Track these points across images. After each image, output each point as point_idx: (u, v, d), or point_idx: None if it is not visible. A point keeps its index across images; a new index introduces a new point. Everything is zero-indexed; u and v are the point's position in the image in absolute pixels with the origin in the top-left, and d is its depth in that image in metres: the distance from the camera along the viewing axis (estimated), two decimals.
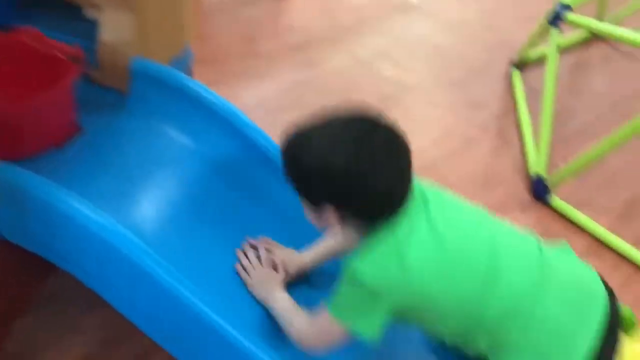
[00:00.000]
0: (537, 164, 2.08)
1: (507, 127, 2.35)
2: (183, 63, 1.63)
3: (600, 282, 1.11)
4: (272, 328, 1.17)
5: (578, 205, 2.01)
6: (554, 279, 1.05)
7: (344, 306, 1.04)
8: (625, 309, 1.20)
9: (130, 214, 1.26)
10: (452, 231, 1.02)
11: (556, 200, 2.02)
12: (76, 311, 1.49)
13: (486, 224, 1.09)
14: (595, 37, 2.90)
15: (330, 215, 1.01)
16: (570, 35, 2.80)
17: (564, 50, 2.57)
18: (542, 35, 2.46)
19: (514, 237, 1.10)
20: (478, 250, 1.03)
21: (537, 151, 2.13)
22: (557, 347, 1.02)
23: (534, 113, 2.34)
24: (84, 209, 1.06)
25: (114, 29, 1.39)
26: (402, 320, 1.06)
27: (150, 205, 1.31)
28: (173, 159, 1.40)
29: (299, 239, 1.30)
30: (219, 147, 1.42)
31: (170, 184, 1.36)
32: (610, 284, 1.12)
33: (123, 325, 1.13)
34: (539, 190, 2.04)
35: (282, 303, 1.17)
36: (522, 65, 2.65)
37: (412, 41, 2.83)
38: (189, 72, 1.67)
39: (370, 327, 1.02)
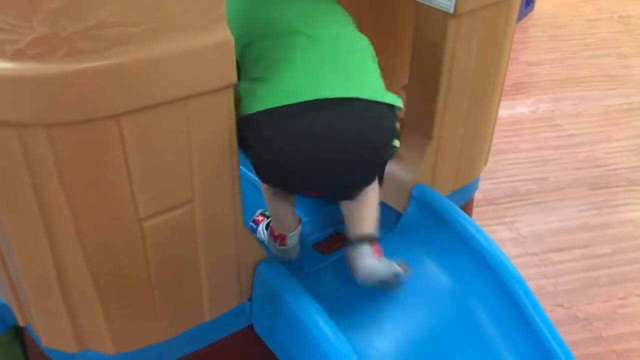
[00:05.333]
0: None
1: None
2: (465, 195, 1.61)
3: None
4: None
5: None
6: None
7: None
8: None
9: (373, 341, 1.26)
10: None
11: None
12: None
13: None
14: None
15: None
16: None
17: None
18: None
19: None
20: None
21: None
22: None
23: None
24: (329, 334, 1.10)
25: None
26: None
27: (393, 336, 1.30)
28: (425, 294, 1.38)
29: None
30: (476, 294, 1.36)
31: (416, 319, 1.34)
32: None
33: None
34: None
35: None
36: None
37: None
38: (469, 206, 1.64)
39: None
